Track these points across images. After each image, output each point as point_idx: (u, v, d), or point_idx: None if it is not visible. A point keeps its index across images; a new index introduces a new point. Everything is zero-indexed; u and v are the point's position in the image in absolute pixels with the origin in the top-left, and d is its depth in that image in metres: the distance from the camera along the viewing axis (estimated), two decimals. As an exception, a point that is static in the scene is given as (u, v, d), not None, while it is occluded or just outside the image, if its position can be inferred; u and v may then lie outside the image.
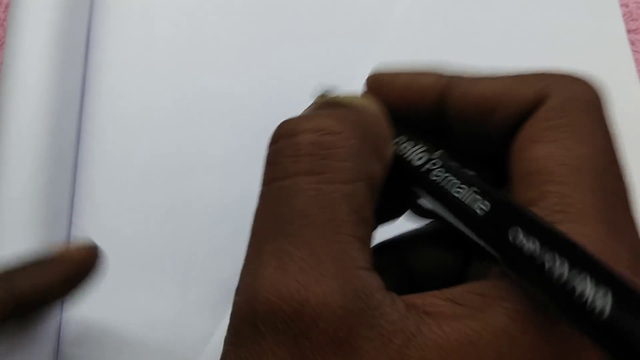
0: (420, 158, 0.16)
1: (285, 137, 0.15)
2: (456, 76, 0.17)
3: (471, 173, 0.16)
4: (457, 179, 0.15)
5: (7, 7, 0.32)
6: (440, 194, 0.16)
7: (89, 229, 0.29)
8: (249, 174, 0.26)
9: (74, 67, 0.30)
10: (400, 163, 0.17)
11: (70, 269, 0.22)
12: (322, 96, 0.17)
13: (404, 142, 0.17)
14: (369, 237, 0.14)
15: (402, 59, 0.33)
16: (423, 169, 0.16)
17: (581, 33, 0.32)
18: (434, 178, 0.16)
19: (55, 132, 0.27)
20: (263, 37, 0.33)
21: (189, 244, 0.29)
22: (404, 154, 0.17)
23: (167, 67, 0.32)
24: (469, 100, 0.17)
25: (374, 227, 0.15)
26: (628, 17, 0.34)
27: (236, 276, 0.14)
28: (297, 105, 0.18)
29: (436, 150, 0.17)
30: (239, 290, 0.14)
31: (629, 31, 0.33)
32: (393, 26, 0.34)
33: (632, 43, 0.33)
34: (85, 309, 0.27)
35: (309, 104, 0.18)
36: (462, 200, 0.15)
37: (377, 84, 0.18)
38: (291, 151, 0.14)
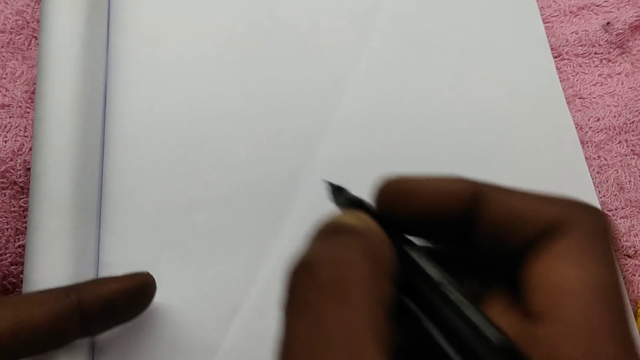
0: (437, 272, 0.16)
1: (305, 272, 0.15)
2: (487, 185, 0.18)
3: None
4: (471, 304, 0.15)
5: None
6: (455, 311, 0.15)
7: (116, 263, 0.29)
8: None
9: (95, 112, 0.30)
10: (412, 276, 0.16)
11: (129, 288, 0.24)
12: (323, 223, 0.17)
13: (420, 257, 0.17)
14: (391, 355, 0.14)
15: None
16: (439, 284, 0.16)
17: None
18: (450, 296, 0.15)
19: (81, 174, 0.28)
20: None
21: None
22: (422, 267, 0.17)
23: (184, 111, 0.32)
24: (501, 212, 0.17)
25: (393, 347, 0.15)
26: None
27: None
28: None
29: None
30: None
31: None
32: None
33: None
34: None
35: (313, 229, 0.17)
36: (478, 325, 0.15)
37: (401, 186, 0.18)
38: (312, 283, 0.15)
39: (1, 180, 0.29)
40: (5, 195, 0.29)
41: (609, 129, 0.34)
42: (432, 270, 0.16)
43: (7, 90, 0.31)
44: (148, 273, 0.25)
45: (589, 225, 0.17)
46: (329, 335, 0.14)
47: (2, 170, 0.29)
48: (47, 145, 0.28)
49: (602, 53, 0.35)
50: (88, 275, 0.28)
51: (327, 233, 0.17)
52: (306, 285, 0.15)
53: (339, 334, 0.14)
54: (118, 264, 0.29)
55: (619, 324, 0.15)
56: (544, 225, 0.17)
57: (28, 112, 0.31)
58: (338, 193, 0.21)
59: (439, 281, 0.16)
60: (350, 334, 0.14)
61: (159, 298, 0.27)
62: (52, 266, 0.26)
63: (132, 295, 0.24)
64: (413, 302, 0.17)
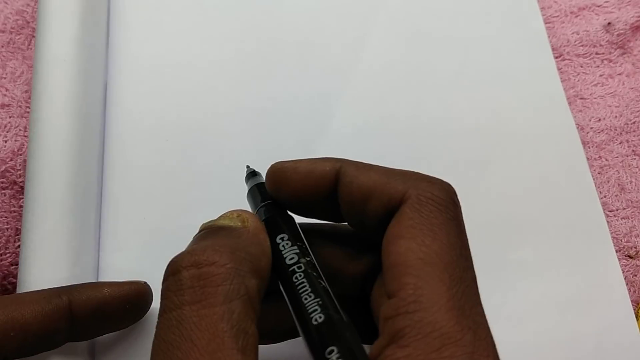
0: (292, 258, 0.18)
1: (172, 275, 0.17)
2: (347, 162, 0.19)
3: (323, 284, 0.18)
4: (309, 287, 0.17)
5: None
6: (293, 294, 0.17)
7: (116, 264, 0.28)
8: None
9: (93, 112, 0.30)
10: (277, 258, 0.18)
11: (122, 294, 0.23)
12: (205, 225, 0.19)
13: (286, 240, 0.19)
14: (252, 345, 0.16)
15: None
16: (290, 269, 0.18)
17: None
18: (294, 280, 0.18)
19: (78, 175, 0.27)
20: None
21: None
22: (282, 251, 0.19)
23: (186, 114, 0.32)
24: (354, 189, 0.18)
25: (258, 334, 0.16)
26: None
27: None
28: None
29: (306, 255, 0.18)
30: None
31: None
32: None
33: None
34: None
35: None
36: (306, 306, 0.17)
37: (280, 172, 0.20)
38: (176, 286, 0.16)
39: (1, 180, 0.29)
40: (5, 195, 0.29)
41: (610, 130, 0.34)
42: (290, 255, 0.18)
43: (7, 90, 0.31)
44: (145, 283, 0.25)
45: (420, 198, 0.17)
46: (187, 336, 0.15)
47: (2, 170, 0.29)
48: (42, 147, 0.27)
49: (603, 53, 0.35)
50: (87, 278, 0.27)
51: (202, 236, 0.19)
52: (171, 287, 0.16)
53: (197, 334, 0.15)
54: (119, 264, 0.28)
55: (452, 293, 0.15)
56: (387, 201, 0.18)
57: (28, 112, 0.31)
58: (251, 176, 0.23)
59: (290, 267, 0.18)
60: (208, 333, 0.15)
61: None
62: (46, 268, 0.26)
63: (125, 302, 0.24)
64: (283, 285, 0.18)
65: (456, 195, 0.18)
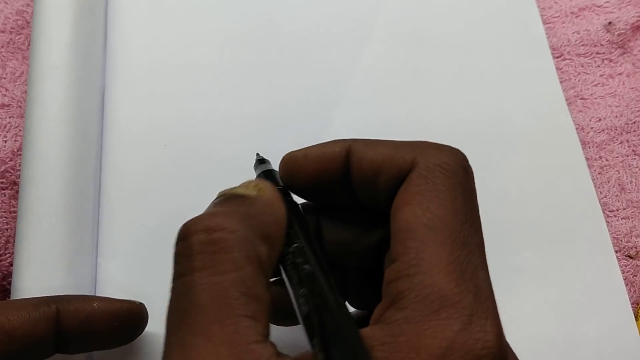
0: (288, 247, 0.18)
1: (182, 240, 0.16)
2: (356, 140, 0.19)
3: (307, 269, 0.17)
4: (296, 277, 0.17)
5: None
6: (289, 286, 0.17)
7: (112, 270, 0.28)
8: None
9: (91, 116, 0.30)
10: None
11: (113, 311, 0.23)
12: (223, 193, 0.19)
13: (290, 228, 0.19)
14: (263, 311, 0.15)
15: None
16: (282, 262, 0.18)
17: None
18: (286, 272, 0.18)
19: (74, 180, 0.27)
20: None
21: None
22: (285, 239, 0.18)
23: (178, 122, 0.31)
24: (365, 164, 0.19)
25: (270, 301, 0.16)
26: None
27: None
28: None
29: (294, 242, 0.18)
30: None
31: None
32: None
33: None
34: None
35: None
36: (296, 298, 0.17)
37: (292, 160, 0.20)
38: (187, 251, 0.16)
39: (1, 180, 0.29)
40: (5, 196, 0.29)
41: (611, 130, 0.33)
42: (292, 237, 0.18)
43: (7, 90, 0.31)
44: (141, 303, 0.24)
45: (427, 165, 0.17)
46: (197, 302, 0.15)
47: (1, 170, 0.29)
48: (36, 153, 0.27)
49: (603, 53, 0.35)
50: (83, 285, 0.27)
51: (216, 203, 0.19)
52: (182, 252, 0.16)
53: (207, 301, 0.15)
54: (115, 271, 0.28)
55: (453, 257, 0.15)
56: (396, 172, 0.18)
57: (28, 112, 0.31)
58: (259, 164, 0.23)
59: (289, 250, 0.18)
60: (218, 300, 0.15)
61: (158, 309, 0.26)
62: (40, 276, 0.25)
63: (114, 319, 0.23)
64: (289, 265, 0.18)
65: (467, 161, 0.18)
